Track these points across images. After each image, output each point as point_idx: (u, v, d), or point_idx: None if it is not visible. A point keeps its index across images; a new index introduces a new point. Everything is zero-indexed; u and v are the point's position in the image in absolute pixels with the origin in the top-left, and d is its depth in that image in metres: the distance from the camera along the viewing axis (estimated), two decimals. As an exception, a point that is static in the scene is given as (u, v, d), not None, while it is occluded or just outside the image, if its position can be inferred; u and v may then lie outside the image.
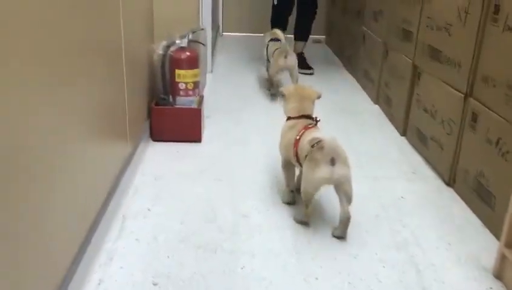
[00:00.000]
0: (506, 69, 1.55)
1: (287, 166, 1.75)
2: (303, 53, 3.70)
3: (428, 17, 2.14)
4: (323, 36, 4.83)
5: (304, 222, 1.63)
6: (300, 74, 3.19)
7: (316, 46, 4.58)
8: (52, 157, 1.06)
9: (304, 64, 3.62)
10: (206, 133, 2.33)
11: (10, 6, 0.84)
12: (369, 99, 3.04)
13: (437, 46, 2.04)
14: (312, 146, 1.51)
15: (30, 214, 0.95)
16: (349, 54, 3.74)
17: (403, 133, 2.42)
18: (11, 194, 0.87)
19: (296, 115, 1.74)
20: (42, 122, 1.00)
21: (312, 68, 3.60)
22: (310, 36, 3.85)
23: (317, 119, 1.73)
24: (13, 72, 0.86)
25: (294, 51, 3.59)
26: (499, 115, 1.58)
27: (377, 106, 2.92)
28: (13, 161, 0.87)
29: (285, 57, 2.83)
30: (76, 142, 1.24)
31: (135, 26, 1.95)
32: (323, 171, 1.49)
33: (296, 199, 1.75)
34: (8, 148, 0.85)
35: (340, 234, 1.56)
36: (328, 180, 1.52)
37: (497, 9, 1.61)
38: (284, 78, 3.06)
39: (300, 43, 3.70)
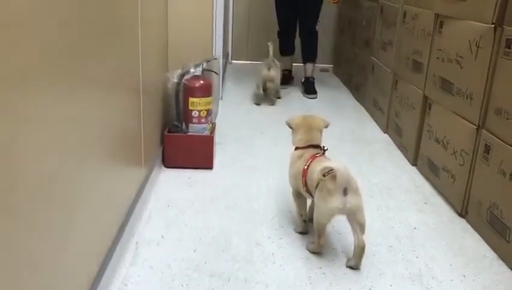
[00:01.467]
0: (520, 102, 1.57)
1: (298, 196, 1.76)
2: (312, 78, 3.84)
3: (439, 49, 2.17)
4: (331, 65, 4.89)
5: (316, 252, 1.63)
6: (307, 99, 3.72)
7: (323, 74, 4.63)
8: (71, 183, 1.07)
9: (309, 89, 3.77)
10: (217, 160, 2.35)
11: (31, 36, 0.87)
12: (379, 128, 3.05)
13: (448, 77, 2.06)
14: (323, 175, 1.51)
15: (48, 240, 0.96)
16: (357, 83, 3.78)
17: (414, 163, 2.43)
18: (29, 220, 0.88)
19: (304, 145, 1.74)
20: (62, 149, 1.01)
21: (316, 93, 3.77)
22: (318, 65, 3.94)
23: (325, 148, 1.74)
24: (36, 103, 0.88)
25: (305, 74, 3.86)
26: (513, 147, 1.59)
27: (386, 135, 2.93)
28: (32, 187, 0.88)
29: (268, 69, 3.39)
30: (95, 169, 1.25)
31: (152, 56, 1.99)
32: (336, 201, 1.50)
33: (309, 228, 1.75)
34: (29, 174, 0.87)
35: (355, 265, 1.55)
36: (341, 210, 1.52)
37: (508, 44, 1.64)
38: (296, 108, 3.08)
39: (309, 66, 3.84)
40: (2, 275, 0.78)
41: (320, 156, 1.69)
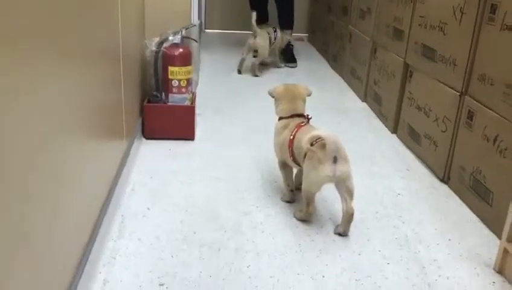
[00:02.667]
0: (505, 68, 1.58)
1: (284, 166, 1.75)
2: (291, 44, 3.77)
3: (421, 16, 2.16)
4: (306, 34, 4.85)
5: (304, 220, 1.63)
6: (286, 68, 3.69)
7: (298, 43, 4.59)
8: (55, 155, 1.02)
9: (289, 57, 3.72)
10: (198, 131, 2.31)
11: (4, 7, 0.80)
12: (357, 97, 3.06)
13: (431, 44, 2.06)
14: (311, 144, 1.50)
15: (35, 215, 0.92)
16: (334, 52, 3.76)
17: (394, 130, 2.45)
18: (11, 198, 0.84)
19: (288, 115, 1.72)
20: (45, 121, 0.95)
21: (296, 62, 3.71)
22: (292, 34, 3.88)
23: (309, 116, 1.73)
24: (14, 75, 0.82)
25: (284, 40, 3.72)
26: (497, 113, 1.61)
27: (364, 103, 2.94)
28: (11, 163, 0.83)
29: (255, 37, 3.33)
30: (78, 141, 1.20)
31: (130, 24, 1.92)
32: (327, 169, 1.49)
33: (296, 197, 1.75)
34: (5, 152, 0.81)
35: (344, 231, 1.56)
36: (331, 178, 1.51)
37: (494, 9, 1.64)
38: (274, 79, 3.05)
39: (286, 32, 3.72)
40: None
41: (305, 125, 1.67)
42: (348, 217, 1.55)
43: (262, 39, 3.36)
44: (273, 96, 1.78)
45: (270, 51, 3.49)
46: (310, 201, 1.58)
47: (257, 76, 3.40)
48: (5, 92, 0.76)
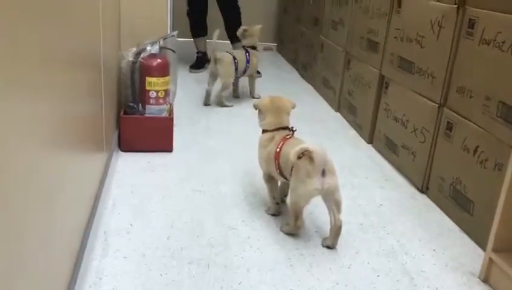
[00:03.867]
0: (484, 81, 1.63)
1: (269, 179, 1.73)
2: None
3: (397, 29, 2.21)
4: (275, 44, 4.87)
5: (292, 234, 1.62)
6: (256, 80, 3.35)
7: (267, 53, 4.61)
8: (37, 174, 0.96)
9: None
10: (175, 142, 2.26)
11: None
12: (330, 107, 3.09)
13: (408, 57, 2.10)
14: (299, 157, 1.50)
15: (25, 237, 0.87)
16: (304, 62, 3.79)
17: (370, 141, 2.48)
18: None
19: (273, 128, 1.72)
20: (21, 137, 0.88)
21: (259, 72, 3.49)
22: (261, 43, 3.80)
23: (294, 129, 1.73)
24: None
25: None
26: (477, 125, 1.65)
27: (338, 113, 2.97)
28: None
29: (215, 63, 2.83)
30: (57, 154, 1.14)
31: (110, 33, 1.86)
32: (315, 182, 1.49)
33: (281, 209, 1.74)
34: None
35: (332, 244, 1.56)
36: (319, 191, 1.51)
37: (472, 23, 1.69)
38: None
39: (238, 45, 3.44)
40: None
41: (290, 137, 1.67)
42: (337, 229, 1.55)
43: (226, 65, 2.84)
44: (258, 109, 1.76)
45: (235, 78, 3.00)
46: (298, 215, 1.57)
47: (227, 106, 2.92)
48: None
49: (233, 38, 3.49)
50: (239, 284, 1.36)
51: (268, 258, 1.49)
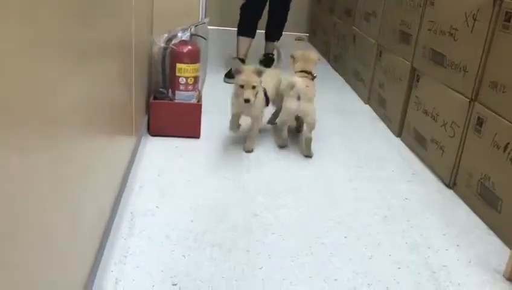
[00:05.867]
0: (518, 76, 1.59)
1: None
2: (272, 54, 3.46)
3: (430, 21, 2.17)
4: (307, 34, 4.84)
5: (283, 146, 2.17)
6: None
7: (298, 43, 4.59)
8: (64, 154, 0.99)
9: (270, 65, 3.32)
10: (203, 129, 2.29)
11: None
12: (360, 99, 3.06)
13: (440, 50, 2.07)
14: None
15: (49, 214, 0.90)
16: (336, 53, 3.76)
17: (398, 134, 2.45)
18: (18, 198, 0.82)
19: (299, 70, 2.23)
20: (53, 118, 0.92)
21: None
22: (292, 33, 3.74)
23: (315, 75, 2.25)
24: (24, 70, 0.78)
25: (265, 50, 3.50)
26: (508, 121, 1.62)
27: (367, 105, 2.94)
28: (18, 161, 0.80)
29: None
30: (89, 138, 1.18)
31: (142, 19, 1.90)
32: (292, 104, 2.06)
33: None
34: (12, 149, 0.78)
35: (307, 153, 2.10)
36: (295, 111, 2.07)
37: (508, 17, 1.65)
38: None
39: (270, 44, 3.47)
40: (18, 245, 0.73)
41: (305, 77, 2.17)
42: (306, 141, 2.10)
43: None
44: (292, 57, 2.30)
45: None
46: (282, 128, 2.15)
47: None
48: (14, 85, 0.73)
49: (272, 38, 3.43)
50: (260, 269, 1.38)
51: (289, 245, 1.51)
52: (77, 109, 1.02)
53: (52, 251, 0.89)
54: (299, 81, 2.04)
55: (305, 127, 2.12)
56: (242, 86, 1.95)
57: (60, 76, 0.89)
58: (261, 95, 2.05)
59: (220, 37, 4.44)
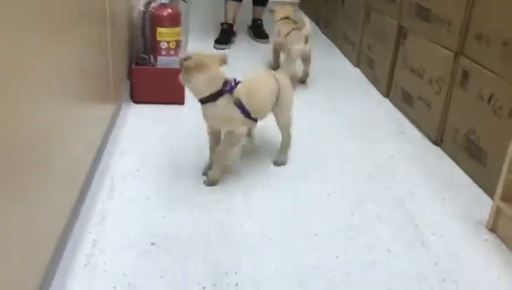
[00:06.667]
0: (502, 26, 1.55)
1: None
2: (261, 20, 3.39)
3: (415, -24, 2.11)
4: (298, 1, 4.76)
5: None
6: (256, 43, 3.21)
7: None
8: (40, 120, 0.97)
9: (259, 33, 3.34)
10: (188, 96, 2.25)
11: None
12: (350, 63, 3.01)
13: (425, 4, 2.02)
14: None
15: (22, 175, 0.88)
16: (326, 18, 3.69)
17: (386, 94, 2.42)
18: (8, 154, 0.80)
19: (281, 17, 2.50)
20: (28, 86, 0.91)
21: (268, 37, 3.25)
22: (285, 1, 3.71)
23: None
24: None
25: (253, 16, 3.39)
26: (493, 72, 1.58)
27: (357, 69, 2.90)
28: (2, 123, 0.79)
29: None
30: (64, 104, 1.15)
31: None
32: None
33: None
34: None
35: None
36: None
37: (491, -35, 1.60)
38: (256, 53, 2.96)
39: (259, 8, 3.38)
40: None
41: None
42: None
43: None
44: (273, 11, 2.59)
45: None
46: None
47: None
48: None
49: (258, 1, 3.33)
50: (239, 227, 1.37)
51: (271, 203, 1.49)
52: (48, 76, 1.00)
53: (25, 214, 0.87)
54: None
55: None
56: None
57: (28, 44, 0.87)
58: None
59: (209, 1, 4.36)
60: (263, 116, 1.63)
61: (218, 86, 1.45)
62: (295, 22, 2.49)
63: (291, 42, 2.34)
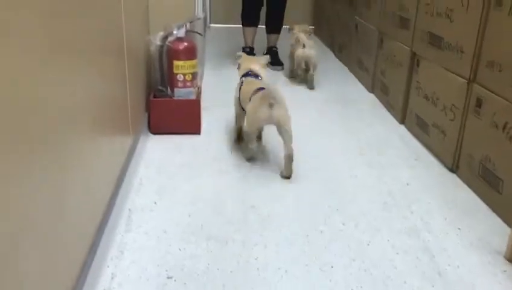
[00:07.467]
0: (513, 53, 1.56)
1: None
2: (276, 47, 3.49)
3: (427, 4, 2.14)
4: (312, 27, 4.81)
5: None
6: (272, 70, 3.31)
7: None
8: (58, 151, 1.01)
9: (274, 60, 3.39)
10: (204, 125, 2.30)
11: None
12: (364, 88, 3.04)
13: (437, 32, 2.04)
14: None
15: (44, 208, 0.92)
16: (340, 44, 3.73)
17: (402, 121, 2.43)
18: (15, 192, 0.84)
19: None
20: (47, 117, 0.95)
21: (282, 64, 3.40)
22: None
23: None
24: (16, 67, 0.81)
25: (268, 44, 3.50)
26: (506, 100, 1.59)
27: (372, 94, 2.92)
28: (15, 158, 0.82)
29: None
30: (83, 137, 1.20)
31: (134, 18, 1.91)
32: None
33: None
34: (10, 146, 0.81)
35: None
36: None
37: (501, -6, 1.61)
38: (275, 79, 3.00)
39: (273, 36, 3.48)
40: (2, 244, 0.74)
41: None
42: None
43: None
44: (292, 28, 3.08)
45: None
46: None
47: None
48: (7, 86, 0.76)
49: (273, 30, 3.43)
50: (255, 259, 1.38)
51: (286, 234, 1.50)
52: (67, 108, 1.04)
53: (45, 248, 0.90)
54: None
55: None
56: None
57: (48, 75, 0.91)
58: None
59: (225, 34, 4.45)
60: None
61: None
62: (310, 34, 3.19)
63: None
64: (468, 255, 1.44)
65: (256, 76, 2.02)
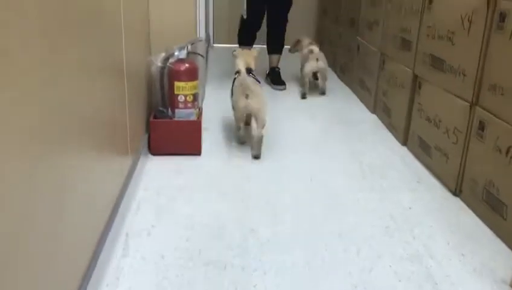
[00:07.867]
0: (515, 77, 1.54)
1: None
2: (278, 68, 3.50)
3: (428, 26, 2.13)
4: (315, 46, 4.83)
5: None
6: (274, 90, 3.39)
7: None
8: (54, 172, 1.00)
9: (277, 80, 3.42)
10: (204, 146, 2.28)
11: (11, 20, 0.79)
12: (366, 109, 3.02)
13: (439, 55, 2.03)
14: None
15: (37, 232, 0.90)
16: (342, 64, 3.73)
17: (404, 142, 2.41)
18: (15, 212, 0.82)
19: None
20: (45, 139, 0.94)
21: (285, 84, 3.42)
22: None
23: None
24: (14, 90, 0.81)
25: (270, 64, 3.51)
26: (509, 124, 1.57)
27: (374, 115, 2.90)
28: (11, 180, 0.81)
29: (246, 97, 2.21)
30: (79, 158, 1.19)
31: (135, 39, 1.91)
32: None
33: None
34: (10, 163, 0.80)
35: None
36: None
37: (503, 17, 1.61)
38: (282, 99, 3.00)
39: (275, 57, 3.49)
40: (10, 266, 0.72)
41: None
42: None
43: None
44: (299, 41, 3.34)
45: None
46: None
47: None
48: (5, 105, 0.74)
49: (274, 51, 3.47)
50: (254, 286, 1.35)
51: (286, 261, 1.47)
52: (65, 129, 1.03)
53: (38, 274, 0.88)
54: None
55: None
56: None
57: (46, 95, 0.90)
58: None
59: (225, 53, 4.46)
60: None
61: None
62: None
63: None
64: (472, 282, 1.40)
65: (250, 70, 2.37)
